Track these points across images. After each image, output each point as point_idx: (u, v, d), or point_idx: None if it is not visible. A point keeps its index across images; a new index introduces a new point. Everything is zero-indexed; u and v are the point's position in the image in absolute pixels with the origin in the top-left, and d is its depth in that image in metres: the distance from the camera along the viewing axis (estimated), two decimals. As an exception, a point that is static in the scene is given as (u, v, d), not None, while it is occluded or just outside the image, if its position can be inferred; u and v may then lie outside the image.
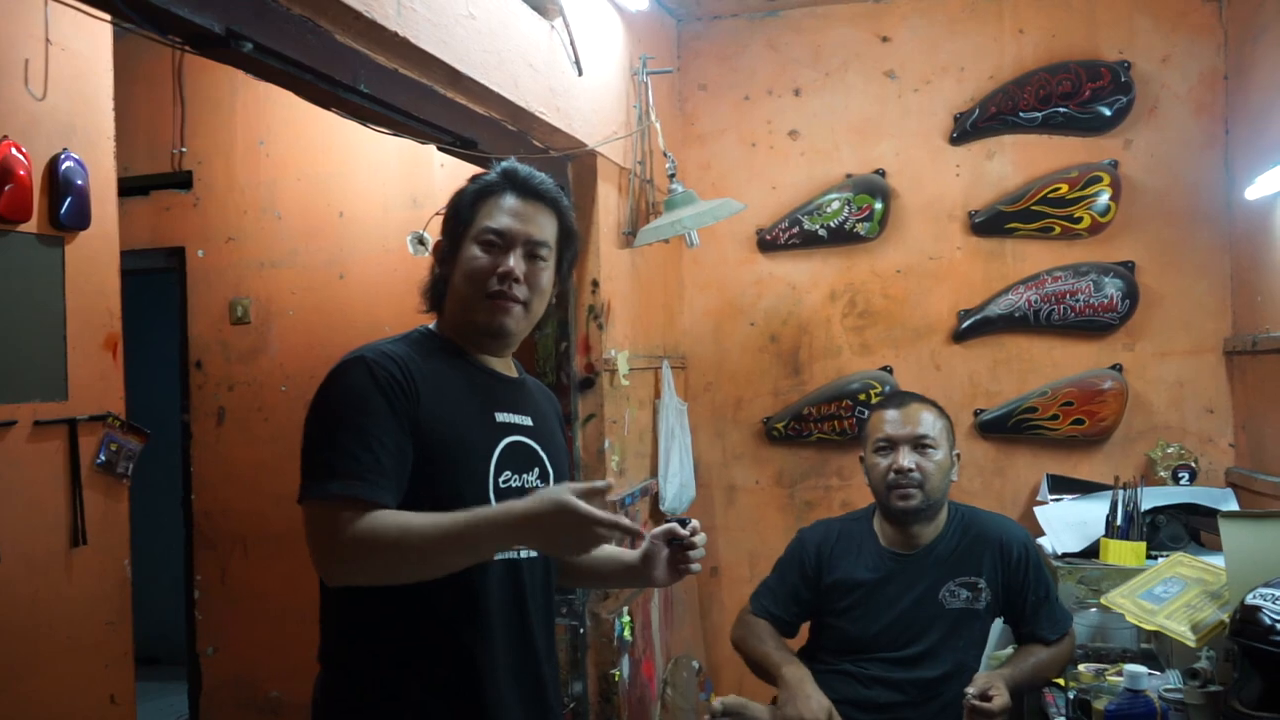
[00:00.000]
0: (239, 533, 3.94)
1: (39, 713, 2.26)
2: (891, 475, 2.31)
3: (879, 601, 2.33)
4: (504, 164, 1.60)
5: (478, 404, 1.55)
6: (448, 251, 1.57)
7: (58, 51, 2.35)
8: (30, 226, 2.29)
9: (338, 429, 1.42)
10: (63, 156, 2.36)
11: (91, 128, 2.47)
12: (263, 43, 1.71)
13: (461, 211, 1.57)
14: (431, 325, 1.63)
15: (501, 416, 1.58)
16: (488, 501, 1.49)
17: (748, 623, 2.46)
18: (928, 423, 2.34)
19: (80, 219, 2.41)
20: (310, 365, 3.87)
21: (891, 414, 2.37)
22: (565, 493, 1.32)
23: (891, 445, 2.33)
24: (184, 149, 3.99)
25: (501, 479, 1.53)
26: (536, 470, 1.60)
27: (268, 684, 3.89)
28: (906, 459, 2.30)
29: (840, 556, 2.41)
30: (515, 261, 1.53)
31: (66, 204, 2.35)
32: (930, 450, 2.31)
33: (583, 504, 1.31)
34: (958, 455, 2.42)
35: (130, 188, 3.74)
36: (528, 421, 1.62)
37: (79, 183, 2.39)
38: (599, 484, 1.37)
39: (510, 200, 1.56)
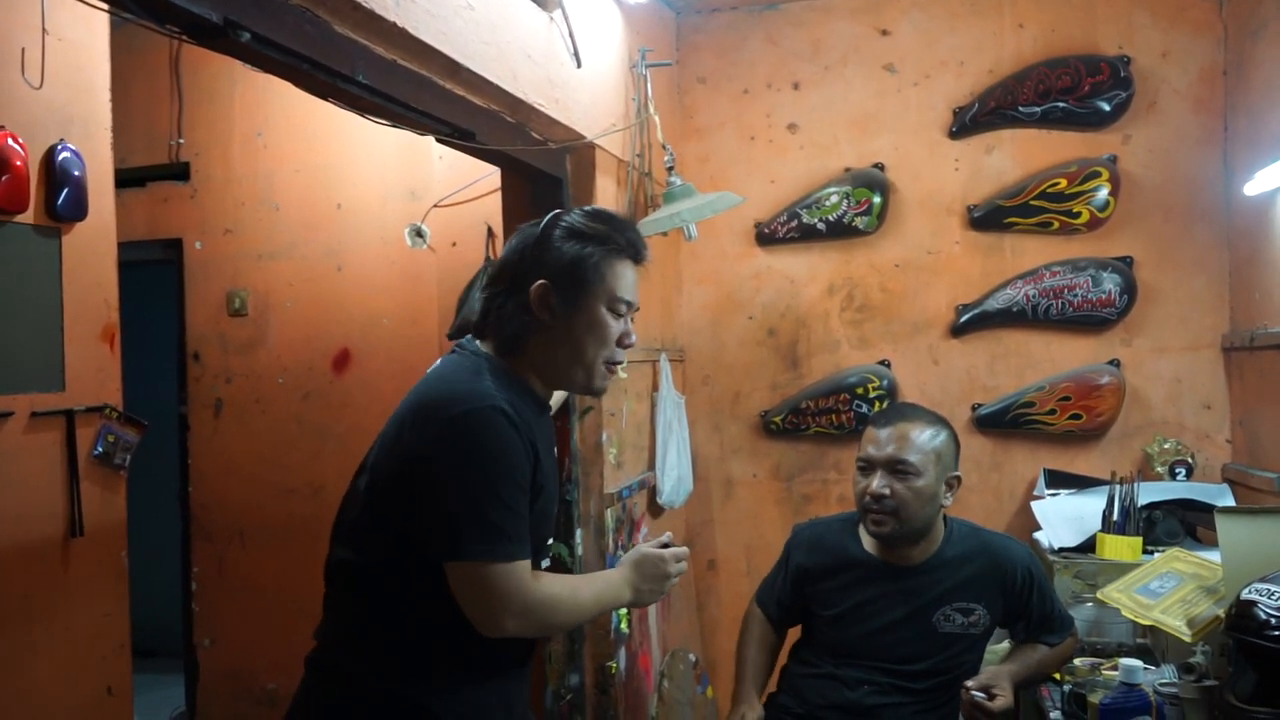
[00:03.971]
0: (236, 525, 3.95)
1: (36, 704, 2.26)
2: (866, 499, 2.21)
3: (867, 615, 2.26)
4: (628, 231, 1.64)
5: (549, 445, 1.64)
6: (561, 304, 1.57)
7: (54, 42, 2.34)
8: (27, 217, 2.29)
9: (500, 486, 1.46)
10: (60, 147, 2.35)
11: (89, 118, 2.47)
12: (260, 33, 1.70)
13: (588, 272, 1.58)
14: (491, 355, 1.61)
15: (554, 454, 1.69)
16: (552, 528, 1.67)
17: (746, 620, 2.48)
18: (913, 445, 2.18)
19: (77, 210, 2.40)
20: (308, 357, 3.88)
21: (875, 432, 2.24)
22: (640, 548, 1.67)
23: (870, 466, 2.22)
24: (181, 140, 3.99)
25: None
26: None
27: (265, 676, 3.90)
28: (879, 484, 2.18)
29: (826, 568, 2.34)
30: (630, 330, 1.65)
31: (63, 195, 2.35)
32: (910, 477, 2.17)
33: (653, 550, 1.65)
34: (957, 477, 2.25)
35: (127, 179, 3.74)
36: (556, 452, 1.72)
37: (76, 174, 2.38)
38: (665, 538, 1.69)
39: (632, 270, 1.63)
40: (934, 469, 2.19)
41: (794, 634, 2.48)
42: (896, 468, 2.18)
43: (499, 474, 1.45)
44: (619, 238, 1.61)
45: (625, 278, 1.61)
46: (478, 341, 1.63)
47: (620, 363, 1.65)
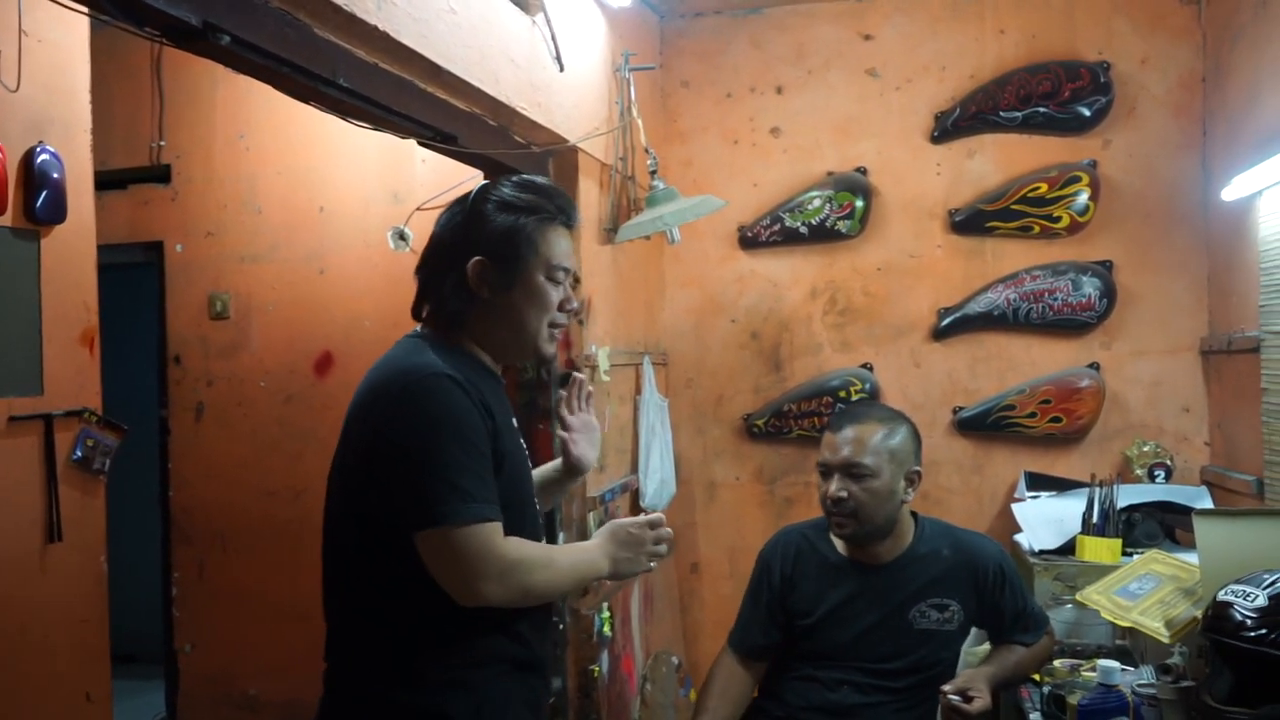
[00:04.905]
0: (218, 529, 3.93)
1: (13, 711, 2.24)
2: (827, 502, 2.24)
3: (844, 617, 2.27)
4: (558, 197, 1.63)
5: (507, 412, 1.62)
6: (499, 279, 1.57)
7: (33, 43, 2.32)
8: (5, 220, 2.27)
9: (459, 451, 1.44)
10: (39, 150, 2.33)
11: (68, 120, 2.45)
12: (241, 36, 1.70)
13: (522, 243, 1.57)
14: (429, 334, 1.61)
15: (513, 422, 1.65)
16: (538, 516, 1.65)
17: (711, 670, 2.40)
18: (867, 447, 2.20)
19: (56, 212, 2.38)
20: (290, 360, 3.86)
21: (831, 436, 2.26)
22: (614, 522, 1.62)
23: (828, 470, 2.24)
24: (162, 143, 3.96)
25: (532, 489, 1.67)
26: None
27: (246, 682, 3.87)
28: (836, 487, 2.21)
29: (802, 575, 2.34)
30: (570, 295, 1.64)
31: (42, 197, 2.33)
32: (865, 478, 2.19)
33: (628, 519, 1.61)
34: (918, 472, 2.27)
35: (108, 181, 3.71)
36: (515, 423, 1.66)
37: (55, 176, 2.37)
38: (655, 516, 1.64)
39: (566, 237, 1.62)
40: (889, 468, 2.21)
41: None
42: (852, 471, 2.20)
43: (455, 437, 1.44)
44: (549, 205, 1.60)
45: (560, 245, 1.60)
46: (417, 327, 1.64)
47: (563, 325, 1.65)
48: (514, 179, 1.64)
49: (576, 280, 1.69)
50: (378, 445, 1.47)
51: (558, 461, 1.85)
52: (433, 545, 1.43)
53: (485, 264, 1.55)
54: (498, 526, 1.45)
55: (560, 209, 1.62)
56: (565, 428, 1.82)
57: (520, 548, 1.48)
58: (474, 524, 1.42)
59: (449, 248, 1.59)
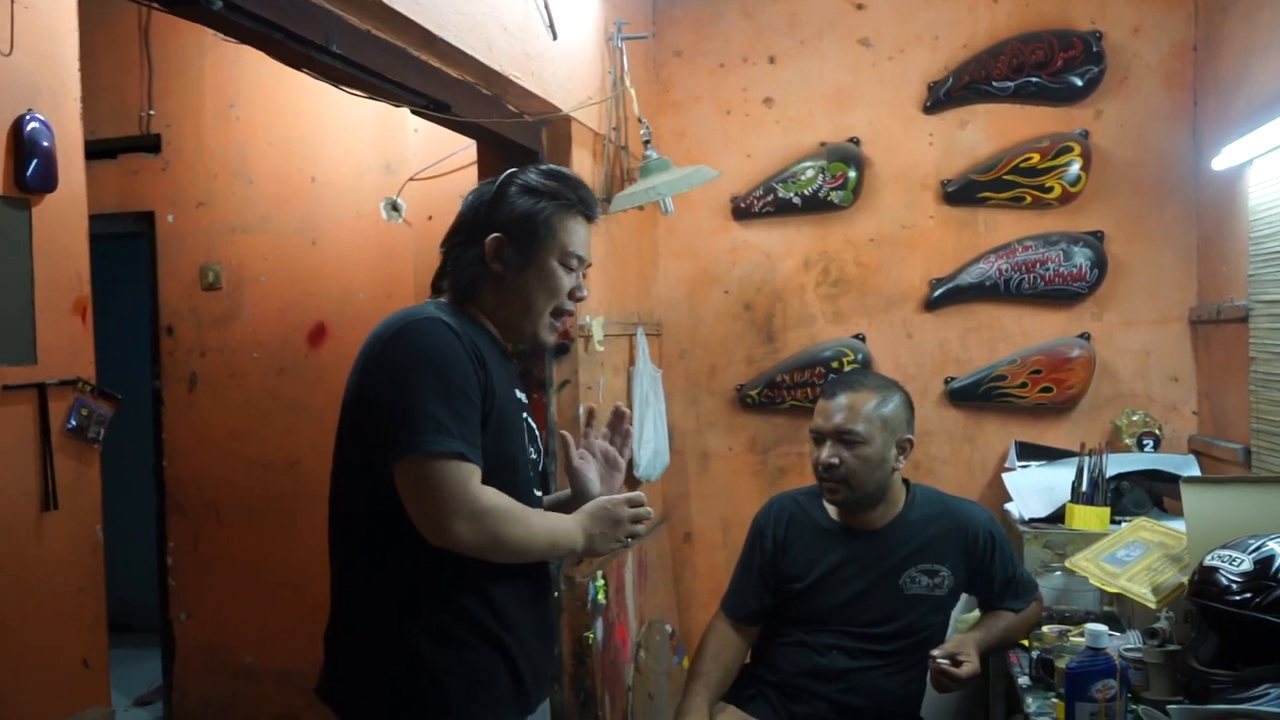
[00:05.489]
0: (212, 499, 3.94)
1: (11, 676, 2.25)
2: (819, 469, 2.28)
3: (835, 581, 2.31)
4: (581, 189, 1.68)
5: (510, 381, 1.66)
6: (515, 257, 1.62)
7: (21, 10, 2.30)
8: (-4, 188, 2.26)
9: (442, 388, 1.46)
10: (28, 117, 2.31)
11: (57, 88, 2.43)
12: (232, 0, 1.69)
13: (540, 226, 1.62)
14: (442, 302, 1.65)
15: (518, 394, 1.69)
16: (530, 473, 1.67)
17: (705, 635, 2.42)
18: (859, 414, 2.24)
19: (46, 181, 2.37)
20: (283, 332, 3.86)
21: (824, 403, 2.30)
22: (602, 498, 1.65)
23: (820, 437, 2.29)
24: (152, 112, 3.93)
25: (530, 453, 1.68)
26: (533, 448, 1.71)
27: (242, 650, 3.90)
28: (828, 454, 2.25)
29: (795, 540, 2.37)
30: (581, 284, 1.68)
31: (32, 166, 2.32)
32: (857, 445, 2.23)
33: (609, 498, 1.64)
34: (909, 440, 2.31)
35: (97, 151, 3.68)
36: (524, 398, 1.72)
37: (45, 144, 2.35)
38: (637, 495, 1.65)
39: (584, 227, 1.68)
40: (881, 435, 2.25)
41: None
42: (844, 437, 2.24)
43: (439, 375, 1.47)
44: (571, 194, 1.66)
45: (577, 233, 1.66)
46: (432, 294, 1.70)
47: (569, 312, 1.70)
48: (542, 167, 1.71)
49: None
50: (368, 380, 1.52)
51: (567, 491, 1.84)
52: (407, 475, 1.45)
53: (503, 241, 1.62)
54: (475, 469, 1.47)
55: (581, 200, 1.67)
56: (588, 450, 1.82)
57: (496, 497, 1.49)
58: (449, 459, 1.44)
59: (471, 224, 1.66)
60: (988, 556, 2.31)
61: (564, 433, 1.82)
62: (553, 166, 1.73)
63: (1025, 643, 2.27)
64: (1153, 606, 2.07)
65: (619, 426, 1.84)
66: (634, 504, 1.66)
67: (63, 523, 2.40)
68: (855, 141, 3.57)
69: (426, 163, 3.58)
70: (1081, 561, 2.37)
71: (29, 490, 2.34)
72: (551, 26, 2.70)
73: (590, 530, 1.61)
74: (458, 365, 1.49)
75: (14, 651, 2.27)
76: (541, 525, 1.57)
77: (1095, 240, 3.35)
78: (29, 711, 2.23)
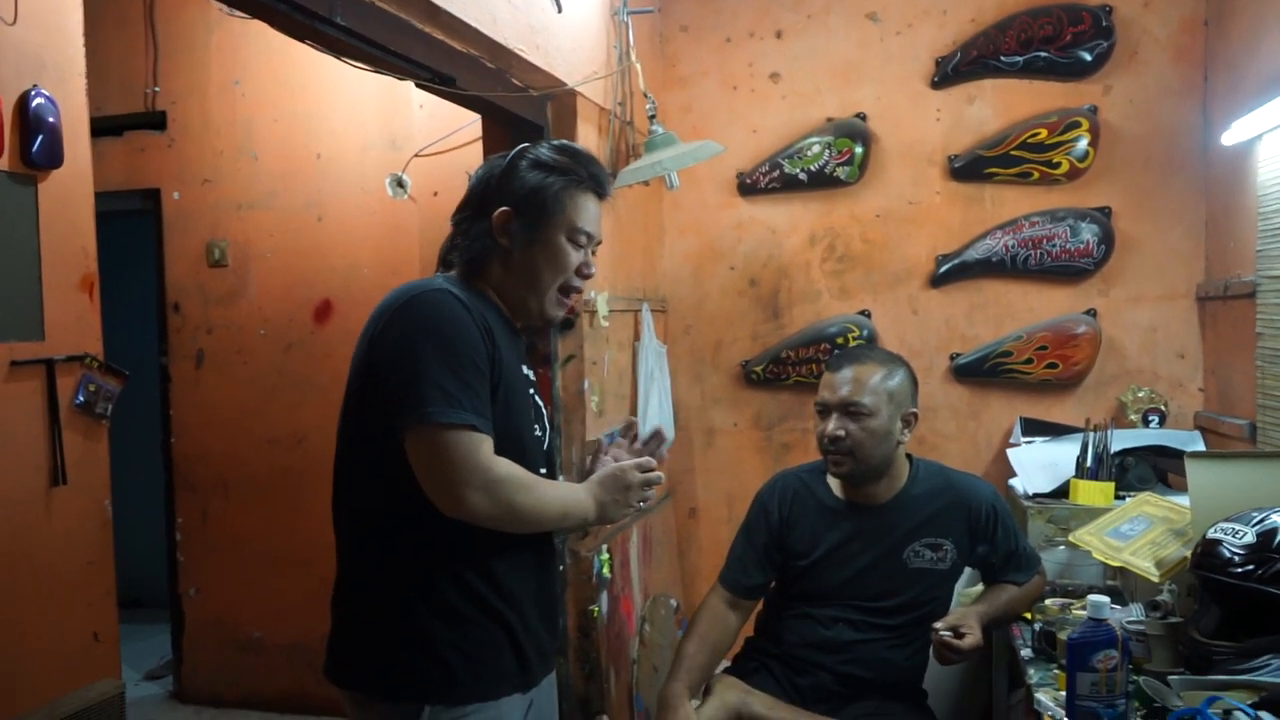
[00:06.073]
0: (220, 476, 3.96)
1: (22, 649, 2.28)
2: (824, 441, 2.27)
3: (840, 557, 2.31)
4: (592, 165, 1.68)
5: (517, 357, 1.65)
6: (522, 232, 1.61)
7: (25, -15, 2.30)
8: (2, 164, 2.26)
9: (451, 358, 1.47)
10: (34, 93, 2.32)
11: (62, 64, 2.43)
12: (236, -26, 1.69)
13: (549, 201, 1.62)
14: (451, 276, 1.64)
15: (525, 370, 1.68)
16: (536, 450, 1.64)
17: (697, 612, 2.41)
18: (866, 387, 2.23)
19: (52, 157, 2.37)
20: (289, 308, 3.87)
21: (830, 376, 2.30)
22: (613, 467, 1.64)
23: (826, 409, 2.28)
24: (157, 89, 3.93)
25: (535, 430, 1.67)
26: (539, 425, 1.70)
27: (250, 624, 3.93)
28: (834, 426, 2.24)
29: (799, 517, 2.37)
30: (590, 261, 1.67)
31: (38, 142, 2.32)
32: (863, 418, 2.22)
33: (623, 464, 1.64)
34: (914, 414, 2.31)
35: (103, 128, 3.69)
36: (532, 375, 1.72)
37: (50, 120, 2.35)
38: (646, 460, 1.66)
39: (595, 203, 1.67)
40: (887, 408, 2.24)
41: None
42: (850, 409, 2.24)
43: (448, 346, 1.47)
44: (581, 170, 1.65)
45: (587, 209, 1.65)
46: (441, 268, 1.69)
47: (578, 289, 1.68)
48: (554, 143, 1.70)
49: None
50: (376, 353, 1.51)
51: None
52: (419, 445, 1.45)
53: (510, 214, 1.61)
54: (487, 439, 1.47)
55: (592, 176, 1.66)
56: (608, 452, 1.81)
57: (509, 466, 1.50)
58: (461, 429, 1.44)
59: (481, 198, 1.65)
60: (991, 530, 2.31)
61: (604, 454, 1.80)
62: (565, 142, 1.72)
63: (1028, 615, 2.28)
64: (1156, 580, 2.08)
65: (657, 445, 1.84)
66: (644, 469, 1.66)
67: (71, 498, 2.42)
68: (862, 117, 3.55)
69: (432, 139, 3.58)
70: (1085, 536, 2.38)
71: (38, 465, 2.35)
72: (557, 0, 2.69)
73: (601, 498, 1.62)
74: (467, 336, 1.49)
75: (25, 625, 2.29)
76: (554, 494, 1.58)
77: (1103, 216, 3.34)
78: (40, 684, 2.25)
